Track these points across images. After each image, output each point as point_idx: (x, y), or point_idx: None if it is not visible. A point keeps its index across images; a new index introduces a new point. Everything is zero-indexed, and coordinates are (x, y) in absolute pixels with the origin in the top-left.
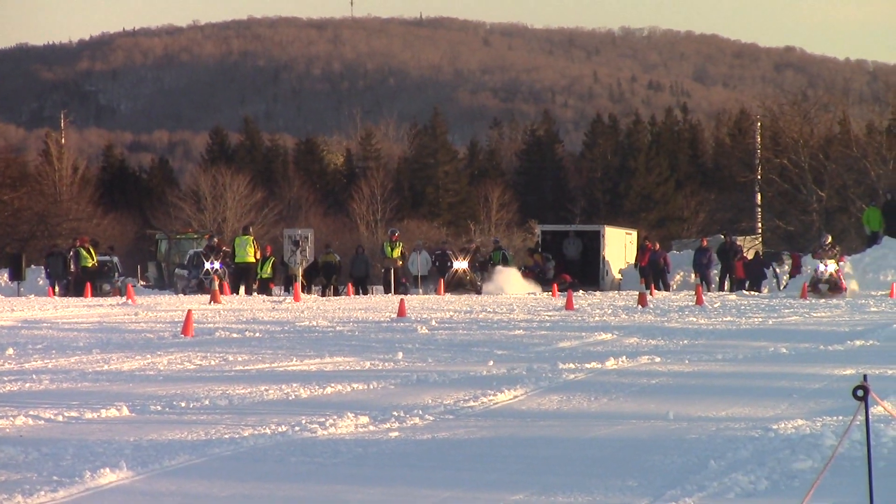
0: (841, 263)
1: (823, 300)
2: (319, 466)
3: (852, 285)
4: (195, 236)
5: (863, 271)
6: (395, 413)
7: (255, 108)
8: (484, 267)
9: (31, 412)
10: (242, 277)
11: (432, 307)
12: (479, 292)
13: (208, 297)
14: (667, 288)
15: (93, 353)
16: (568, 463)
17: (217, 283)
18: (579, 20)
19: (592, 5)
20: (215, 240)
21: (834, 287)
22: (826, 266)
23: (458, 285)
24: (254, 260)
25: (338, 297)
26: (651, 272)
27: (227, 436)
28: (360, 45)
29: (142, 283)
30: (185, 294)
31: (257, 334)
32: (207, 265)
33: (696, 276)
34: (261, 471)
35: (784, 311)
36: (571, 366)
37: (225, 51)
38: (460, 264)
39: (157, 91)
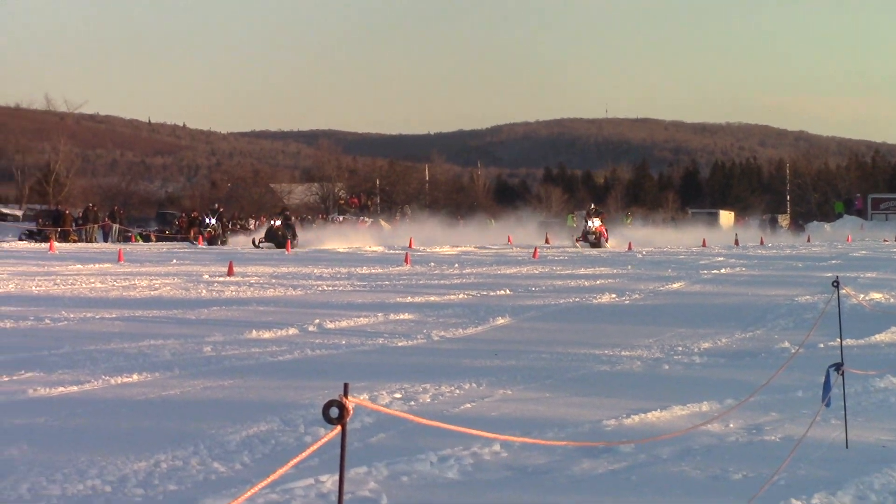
0: (605, 220)
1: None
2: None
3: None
4: None
5: None
6: (630, 292)
7: None
8: None
9: None
10: None
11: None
12: (280, 246)
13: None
14: None
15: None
16: (701, 314)
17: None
18: None
19: None
20: (216, 205)
21: (597, 238)
22: (593, 223)
23: (272, 237)
24: None
25: None
26: None
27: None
28: None
29: None
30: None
31: None
32: (207, 220)
33: None
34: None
35: None
36: (704, 273)
37: None
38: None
39: None
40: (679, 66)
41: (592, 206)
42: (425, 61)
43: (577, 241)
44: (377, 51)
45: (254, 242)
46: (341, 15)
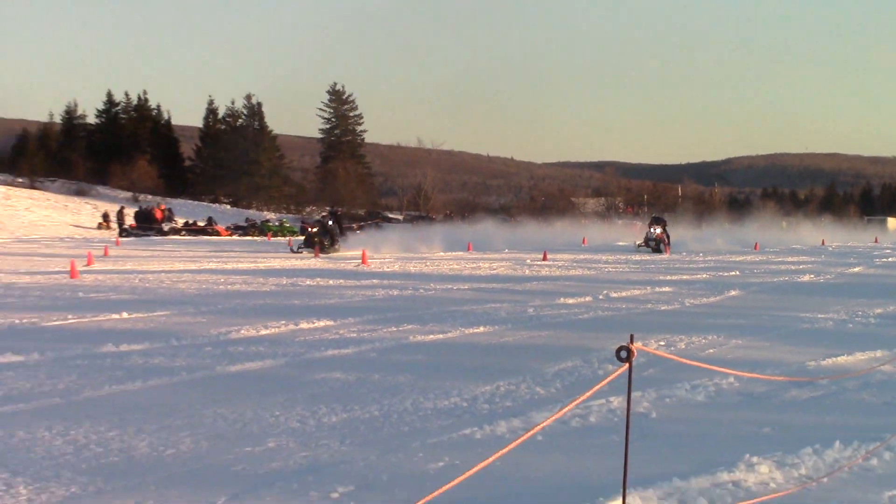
0: (666, 229)
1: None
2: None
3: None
4: None
5: None
6: (824, 274)
7: None
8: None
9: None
10: None
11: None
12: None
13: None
14: None
15: None
16: (876, 289)
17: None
18: None
19: None
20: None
21: (658, 243)
22: (654, 230)
23: (309, 243)
24: None
25: None
26: None
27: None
28: None
29: None
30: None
31: None
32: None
33: None
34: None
35: None
36: (878, 261)
37: None
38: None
39: None
40: (862, 109)
41: (654, 215)
42: (681, 108)
43: (638, 245)
44: (646, 98)
45: (292, 249)
46: (619, 69)
